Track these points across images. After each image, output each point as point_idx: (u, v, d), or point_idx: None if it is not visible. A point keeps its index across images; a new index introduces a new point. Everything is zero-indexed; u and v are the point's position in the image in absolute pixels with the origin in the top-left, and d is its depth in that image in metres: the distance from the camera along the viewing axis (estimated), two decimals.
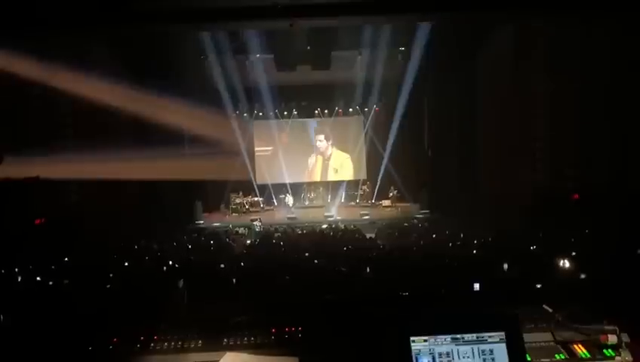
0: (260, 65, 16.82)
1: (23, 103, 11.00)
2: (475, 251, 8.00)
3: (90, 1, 9.41)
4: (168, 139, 14.27)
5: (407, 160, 19.14)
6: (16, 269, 6.75)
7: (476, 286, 3.76)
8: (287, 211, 18.22)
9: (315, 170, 21.01)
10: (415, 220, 15.50)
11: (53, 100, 11.27)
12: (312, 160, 20.95)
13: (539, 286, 3.97)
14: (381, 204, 18.77)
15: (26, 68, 10.03)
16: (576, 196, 11.06)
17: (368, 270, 5.85)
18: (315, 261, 7.05)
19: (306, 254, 8.08)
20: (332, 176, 20.92)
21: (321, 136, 20.77)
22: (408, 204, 18.61)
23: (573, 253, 6.00)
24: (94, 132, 12.21)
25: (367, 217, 16.63)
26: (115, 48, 13.22)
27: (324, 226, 14.39)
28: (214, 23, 11.92)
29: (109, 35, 12.63)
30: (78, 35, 11.36)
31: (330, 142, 20.88)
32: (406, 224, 14.48)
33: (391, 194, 18.57)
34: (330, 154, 20.97)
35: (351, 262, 6.54)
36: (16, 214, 9.07)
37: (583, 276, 4.62)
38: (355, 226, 14.05)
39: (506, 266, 5.46)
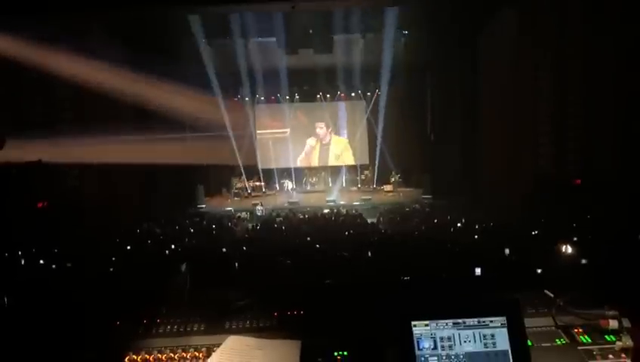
0: (261, 48, 16.67)
1: (24, 86, 10.95)
2: (476, 236, 8.02)
3: None
4: (170, 122, 14.22)
5: (409, 145, 19.05)
6: (19, 252, 6.79)
7: (477, 270, 3.78)
8: (288, 196, 18.23)
9: (314, 154, 20.96)
10: (417, 205, 15.48)
11: (54, 83, 11.21)
12: (311, 143, 20.89)
13: (540, 270, 3.98)
14: (383, 188, 18.75)
15: (26, 50, 9.96)
16: (578, 181, 11.04)
17: (370, 254, 5.88)
18: (317, 245, 7.08)
19: (308, 239, 8.12)
20: (333, 161, 20.88)
21: (322, 124, 20.73)
22: (410, 189, 18.60)
23: (575, 239, 6.01)
24: (96, 115, 12.17)
25: (368, 202, 16.63)
26: (116, 31, 13.09)
27: (326, 211, 14.41)
28: (216, 5, 11.79)
29: (110, 17, 12.52)
30: (78, 17, 11.27)
31: (329, 129, 20.82)
32: (408, 209, 14.49)
33: (393, 179, 18.50)
34: (330, 140, 20.91)
35: (353, 246, 6.57)
36: (18, 198, 9.08)
37: (584, 261, 4.63)
38: (356, 211, 14.06)
39: (507, 251, 5.48)
